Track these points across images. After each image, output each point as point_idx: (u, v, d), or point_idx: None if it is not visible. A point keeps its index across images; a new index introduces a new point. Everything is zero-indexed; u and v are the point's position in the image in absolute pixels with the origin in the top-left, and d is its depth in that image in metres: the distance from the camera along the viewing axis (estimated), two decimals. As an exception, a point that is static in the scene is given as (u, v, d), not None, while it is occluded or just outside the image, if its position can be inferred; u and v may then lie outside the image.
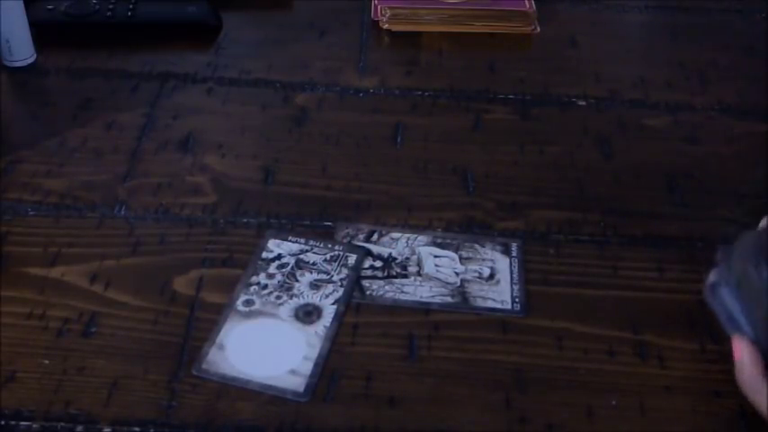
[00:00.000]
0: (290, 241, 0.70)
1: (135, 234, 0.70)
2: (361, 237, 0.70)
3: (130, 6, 0.93)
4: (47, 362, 0.61)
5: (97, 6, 0.92)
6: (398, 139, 0.81)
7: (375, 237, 0.70)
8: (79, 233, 0.70)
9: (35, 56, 0.88)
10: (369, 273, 0.67)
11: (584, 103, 0.86)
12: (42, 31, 0.90)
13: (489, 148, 0.80)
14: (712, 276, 0.58)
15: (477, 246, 0.70)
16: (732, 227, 0.72)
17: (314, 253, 0.69)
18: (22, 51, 0.87)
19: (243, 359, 0.61)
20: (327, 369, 0.61)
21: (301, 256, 0.68)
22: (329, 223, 0.72)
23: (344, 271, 0.67)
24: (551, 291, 0.67)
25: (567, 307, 0.66)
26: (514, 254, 0.69)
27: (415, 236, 0.71)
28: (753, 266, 0.55)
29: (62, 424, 0.57)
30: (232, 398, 0.59)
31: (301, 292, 0.66)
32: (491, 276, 0.68)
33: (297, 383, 0.60)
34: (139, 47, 0.91)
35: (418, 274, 0.68)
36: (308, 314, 0.64)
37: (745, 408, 0.57)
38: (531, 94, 0.87)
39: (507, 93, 0.87)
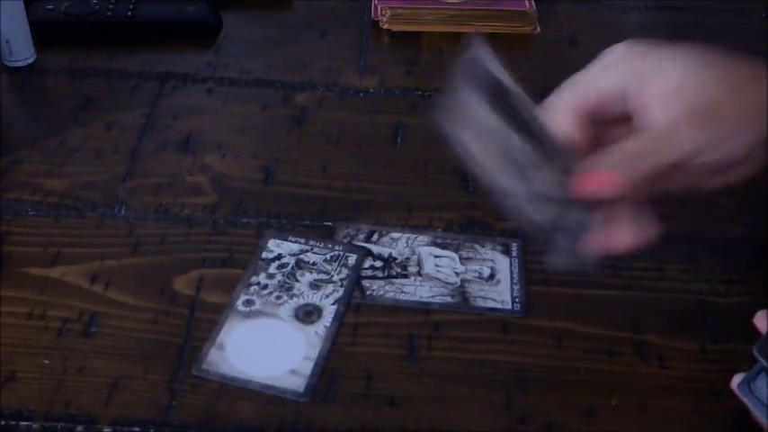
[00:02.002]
0: (290, 241, 0.70)
1: (135, 234, 0.70)
2: (361, 237, 0.70)
3: (130, 6, 0.93)
4: (47, 362, 0.61)
5: (97, 6, 0.92)
6: (398, 139, 0.81)
7: (375, 237, 0.70)
8: (79, 233, 0.70)
9: (35, 56, 0.88)
10: (369, 273, 0.67)
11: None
12: (42, 31, 0.90)
13: (489, 148, 0.80)
14: (738, 377, 0.56)
15: (477, 246, 0.70)
16: (732, 228, 0.72)
17: (314, 253, 0.69)
18: (22, 51, 0.87)
19: (243, 359, 0.61)
20: (327, 369, 0.61)
21: (301, 256, 0.68)
22: (329, 223, 0.72)
23: (344, 271, 0.67)
24: (551, 291, 0.67)
25: (567, 307, 0.66)
26: (514, 254, 0.69)
27: (415, 236, 0.71)
28: None
29: (62, 424, 0.57)
30: (232, 398, 0.59)
31: (301, 292, 0.66)
32: (491, 276, 0.68)
33: (297, 383, 0.60)
34: (139, 47, 0.91)
35: (418, 274, 0.68)
36: (308, 314, 0.64)
37: (744, 408, 0.57)
38: (532, 94, 0.86)
39: (507, 93, 0.87)
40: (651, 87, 0.54)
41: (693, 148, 0.53)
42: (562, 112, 0.56)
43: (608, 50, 0.57)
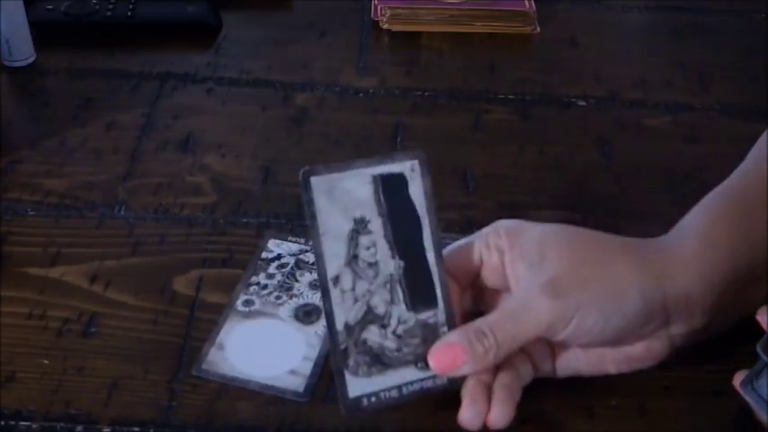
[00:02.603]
0: (290, 241, 0.70)
1: (135, 234, 0.70)
2: (361, 237, 0.70)
3: (130, 6, 0.93)
4: (47, 362, 0.61)
5: (97, 6, 0.92)
6: (398, 139, 0.81)
7: (375, 237, 0.70)
8: (79, 233, 0.70)
9: (35, 56, 0.88)
10: (369, 273, 0.67)
11: (584, 103, 0.86)
12: (42, 31, 0.90)
13: (489, 148, 0.80)
14: (741, 375, 0.56)
15: (477, 246, 0.70)
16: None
17: (314, 253, 0.69)
18: (22, 51, 0.87)
19: (243, 359, 0.61)
20: (327, 369, 0.61)
21: (301, 257, 0.68)
22: (329, 223, 0.71)
23: (344, 271, 0.67)
24: (551, 291, 0.67)
25: (566, 307, 0.65)
26: (514, 254, 0.69)
27: (415, 236, 0.70)
28: None
29: (62, 424, 0.57)
30: (232, 398, 0.59)
31: (301, 293, 0.66)
32: (491, 276, 0.67)
33: (297, 383, 0.60)
34: (139, 47, 0.91)
35: (418, 274, 0.67)
36: (307, 314, 0.64)
37: (744, 407, 0.57)
38: (531, 94, 0.87)
39: (507, 93, 0.87)
40: (514, 263, 0.57)
41: (548, 322, 0.54)
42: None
43: (487, 228, 0.60)
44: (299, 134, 0.81)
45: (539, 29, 0.95)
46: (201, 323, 0.63)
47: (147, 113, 0.82)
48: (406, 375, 0.55)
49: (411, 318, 0.55)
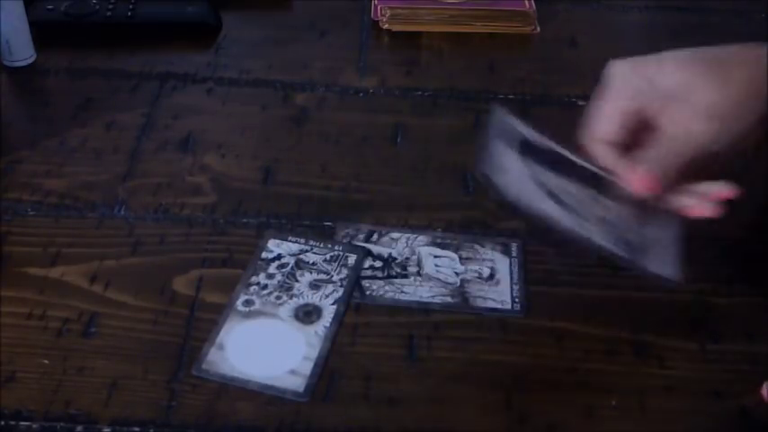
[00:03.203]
0: (290, 241, 0.70)
1: (135, 234, 0.70)
2: (361, 237, 0.70)
3: (130, 6, 0.93)
4: (47, 362, 0.61)
5: (97, 6, 0.92)
6: (398, 139, 0.81)
7: (375, 237, 0.70)
8: (79, 233, 0.70)
9: (35, 56, 0.88)
10: (369, 273, 0.67)
11: (584, 103, 0.86)
12: (42, 31, 0.90)
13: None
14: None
15: (477, 246, 0.70)
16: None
17: (314, 253, 0.69)
18: (22, 51, 0.87)
19: (243, 359, 0.61)
20: (327, 369, 0.61)
21: (301, 256, 0.68)
22: (329, 223, 0.72)
23: (344, 271, 0.67)
24: (551, 291, 0.67)
25: (566, 307, 0.66)
26: (514, 254, 0.69)
27: (415, 236, 0.71)
28: None
29: (62, 424, 0.57)
30: (232, 398, 0.59)
31: (301, 292, 0.66)
32: (491, 276, 0.68)
33: (297, 383, 0.60)
34: (139, 47, 0.91)
35: (418, 274, 0.68)
36: (307, 314, 0.64)
37: (744, 408, 0.57)
38: (531, 94, 0.87)
39: (507, 93, 0.87)
40: (657, 99, 0.61)
41: (705, 142, 0.60)
42: (601, 144, 0.63)
43: (609, 74, 0.65)
44: (298, 134, 0.81)
45: (539, 29, 0.95)
46: (201, 323, 0.63)
47: (147, 113, 0.82)
48: (659, 232, 0.61)
49: (614, 205, 0.62)
